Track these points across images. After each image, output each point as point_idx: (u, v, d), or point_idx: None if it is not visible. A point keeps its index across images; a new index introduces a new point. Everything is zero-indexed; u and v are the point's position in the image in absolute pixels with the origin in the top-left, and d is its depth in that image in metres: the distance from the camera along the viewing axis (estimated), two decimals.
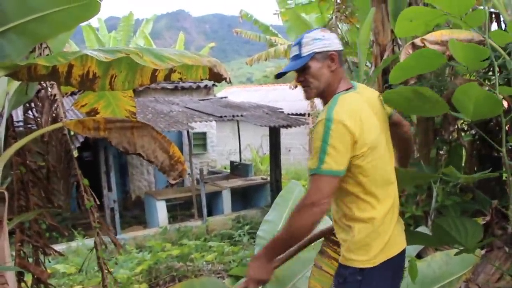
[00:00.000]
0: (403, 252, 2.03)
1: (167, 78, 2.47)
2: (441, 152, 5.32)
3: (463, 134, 5.23)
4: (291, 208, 4.79)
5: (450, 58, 2.84)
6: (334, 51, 1.94)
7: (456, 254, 2.55)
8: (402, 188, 2.44)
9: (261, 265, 1.99)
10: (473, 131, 5.22)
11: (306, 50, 1.94)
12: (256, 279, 2.00)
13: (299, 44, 1.98)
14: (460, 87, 2.02)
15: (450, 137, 5.01)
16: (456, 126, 5.00)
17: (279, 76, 2.15)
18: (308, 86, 2.00)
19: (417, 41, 3.37)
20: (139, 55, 2.01)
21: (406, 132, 2.29)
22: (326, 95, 1.98)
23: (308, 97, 2.06)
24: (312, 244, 3.57)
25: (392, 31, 5.35)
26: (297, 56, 1.98)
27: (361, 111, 1.87)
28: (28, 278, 3.15)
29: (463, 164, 5.16)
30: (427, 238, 2.83)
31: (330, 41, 1.95)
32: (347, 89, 1.97)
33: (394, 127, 2.16)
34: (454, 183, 4.70)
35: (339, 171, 1.79)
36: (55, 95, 2.92)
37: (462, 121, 5.27)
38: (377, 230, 1.89)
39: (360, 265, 1.89)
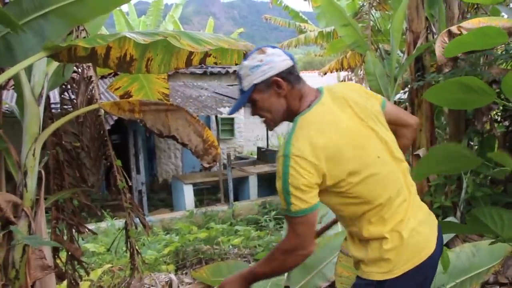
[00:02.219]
0: (434, 254, 1.75)
1: (202, 62, 2.48)
2: (472, 143, 5.24)
3: (496, 125, 5.13)
4: None
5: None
6: (276, 75, 1.68)
7: (492, 243, 2.53)
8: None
9: None
10: (506, 122, 5.11)
11: (246, 84, 1.72)
12: None
13: (238, 77, 1.76)
14: (510, 71, 1.98)
15: (483, 128, 4.92)
16: (489, 117, 4.90)
17: (231, 113, 1.92)
18: (264, 120, 1.80)
19: (454, 29, 3.31)
20: (177, 38, 2.04)
21: (407, 138, 2.04)
22: (289, 119, 1.76)
23: (269, 129, 1.86)
24: (340, 230, 3.59)
25: (427, 18, 5.26)
26: (241, 91, 1.76)
27: (324, 131, 1.62)
28: (62, 254, 3.25)
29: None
30: (461, 227, 2.81)
31: (270, 65, 1.69)
32: (310, 105, 1.71)
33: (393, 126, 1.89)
34: (485, 175, 4.63)
35: (308, 209, 1.59)
36: (91, 76, 2.97)
37: (495, 111, 5.17)
38: (393, 244, 1.67)
39: (379, 278, 1.69)
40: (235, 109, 1.81)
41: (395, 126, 1.92)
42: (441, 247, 1.83)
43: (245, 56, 1.79)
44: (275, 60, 1.70)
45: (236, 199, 10.15)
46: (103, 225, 7.47)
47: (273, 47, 1.77)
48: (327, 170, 1.58)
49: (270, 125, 1.81)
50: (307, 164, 1.56)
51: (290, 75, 1.71)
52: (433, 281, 1.89)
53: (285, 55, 1.74)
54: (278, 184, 1.60)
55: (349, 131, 1.66)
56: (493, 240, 2.50)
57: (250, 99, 1.73)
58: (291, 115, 1.74)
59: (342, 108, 1.72)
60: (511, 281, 3.47)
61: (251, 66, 1.70)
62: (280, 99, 1.72)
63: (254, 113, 1.81)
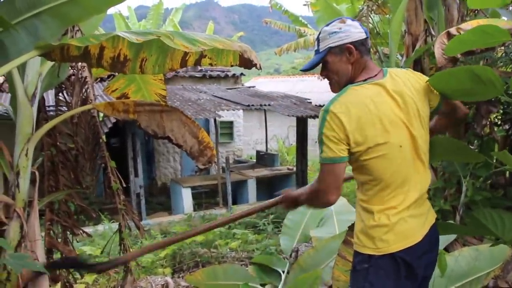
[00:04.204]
0: (420, 248, 1.91)
1: (197, 63, 2.46)
2: (472, 147, 5.21)
3: (495, 128, 5.10)
4: None
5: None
6: (351, 43, 1.91)
7: (492, 245, 2.50)
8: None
9: (291, 206, 2.28)
10: (506, 126, 5.08)
11: (322, 45, 1.96)
12: (283, 207, 2.34)
13: (317, 39, 2.00)
14: None
15: (483, 131, 4.88)
16: (489, 120, 4.87)
17: (304, 70, 2.15)
18: (330, 81, 2.03)
19: (453, 30, 3.28)
20: (170, 37, 2.01)
21: (462, 116, 2.23)
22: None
23: (333, 90, 2.05)
24: (337, 233, 3.56)
25: (426, 21, 5.24)
26: (316, 52, 2.00)
27: (364, 105, 1.82)
28: (56, 256, 3.22)
29: (494, 160, 5.04)
30: (461, 229, 2.78)
31: (347, 33, 1.92)
32: (366, 80, 1.91)
33: (446, 114, 2.15)
34: (485, 177, 4.60)
35: (336, 158, 1.81)
36: (85, 77, 2.95)
37: (495, 115, 5.14)
38: (377, 221, 1.88)
39: (367, 252, 1.90)
40: (309, 66, 2.05)
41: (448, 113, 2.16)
42: (431, 245, 2.01)
43: (326, 23, 2.00)
44: (352, 30, 1.92)
45: (235, 202, 10.11)
46: (100, 228, 7.44)
47: (352, 19, 1.99)
48: (352, 136, 1.79)
49: (335, 86, 2.02)
50: (339, 122, 1.78)
51: (361, 46, 1.94)
52: (432, 285, 1.97)
53: (361, 28, 1.96)
54: (318, 135, 1.87)
55: (384, 114, 1.83)
56: (493, 242, 2.47)
57: (323, 60, 1.97)
58: (351, 81, 1.95)
59: (392, 96, 1.88)
60: (511, 286, 3.44)
61: (330, 31, 1.94)
62: (348, 65, 1.94)
63: (324, 73, 2.03)
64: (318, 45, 1.98)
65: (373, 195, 1.90)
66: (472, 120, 4.91)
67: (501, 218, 2.32)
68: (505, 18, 4.39)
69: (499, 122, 5.23)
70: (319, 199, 1.93)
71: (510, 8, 5.38)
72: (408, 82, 1.96)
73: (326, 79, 2.06)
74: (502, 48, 4.42)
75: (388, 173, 1.85)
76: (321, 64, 2.02)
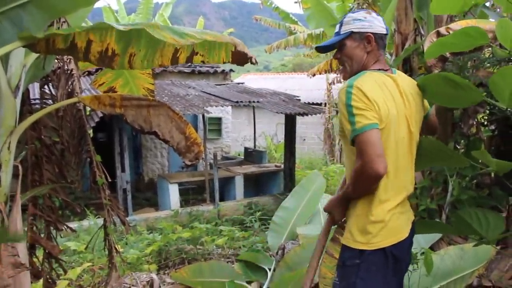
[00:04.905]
0: (406, 242, 1.99)
1: (189, 60, 2.41)
2: (458, 146, 5.24)
3: (482, 128, 5.13)
4: (310, 198, 4.79)
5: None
6: (372, 33, 1.99)
7: (475, 245, 2.51)
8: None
9: (342, 211, 2.11)
10: (492, 126, 5.12)
11: (344, 29, 2.03)
12: (339, 220, 2.17)
13: (340, 22, 2.06)
14: (499, 70, 1.98)
15: (469, 131, 4.91)
16: (475, 120, 4.90)
17: (319, 49, 2.22)
18: (343, 65, 2.10)
19: (442, 30, 3.28)
20: (158, 29, 1.98)
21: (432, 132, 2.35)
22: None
23: (344, 77, 2.12)
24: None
25: (415, 20, 5.25)
26: (336, 34, 2.06)
27: (381, 88, 1.89)
28: (40, 253, 3.17)
29: (480, 160, 5.07)
30: (445, 228, 2.80)
31: (370, 23, 2.00)
32: (379, 70, 2.00)
33: (427, 129, 2.24)
34: (471, 177, 4.64)
35: (372, 124, 1.80)
36: (71, 70, 2.90)
37: (481, 115, 5.18)
38: (376, 217, 1.91)
39: (359, 247, 1.91)
40: (327, 44, 2.14)
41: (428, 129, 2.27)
42: (412, 239, 2.08)
43: (352, 11, 2.11)
44: (375, 23, 2.01)
45: (222, 199, 10.08)
46: (85, 223, 7.36)
47: (378, 14, 2.07)
48: (377, 106, 1.83)
49: (346, 72, 2.09)
50: (363, 94, 1.83)
51: (380, 40, 2.03)
52: (417, 283, 2.01)
53: (384, 24, 2.05)
54: (343, 111, 1.87)
55: (394, 103, 1.91)
56: (473, 244, 2.48)
57: (341, 42, 2.04)
58: (363, 70, 2.00)
59: (399, 92, 1.96)
60: (494, 284, 3.46)
61: (356, 17, 2.02)
62: (364, 53, 2.01)
63: (337, 56, 2.10)
64: (340, 28, 2.05)
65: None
66: (459, 120, 4.94)
67: (486, 218, 2.34)
68: (493, 19, 4.42)
69: (485, 123, 5.26)
70: (367, 174, 1.80)
71: (498, 10, 5.42)
72: (411, 84, 2.07)
73: (339, 63, 2.13)
74: (490, 49, 4.44)
75: (390, 160, 1.88)
76: (335, 47, 2.10)
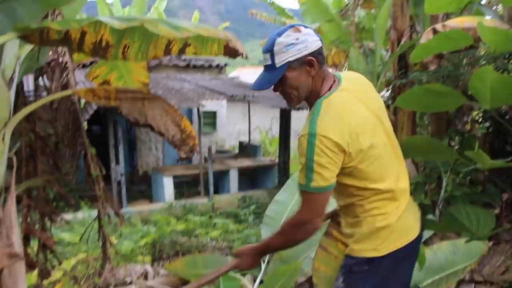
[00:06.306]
0: (417, 239, 1.92)
1: (182, 52, 2.41)
2: (452, 143, 5.27)
3: (477, 125, 5.16)
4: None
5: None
6: (310, 54, 1.74)
7: (466, 241, 2.53)
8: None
9: (252, 261, 2.03)
10: (487, 124, 5.15)
11: (279, 60, 1.74)
12: (245, 268, 2.08)
13: (270, 52, 1.76)
14: (475, 72, 1.98)
15: (464, 128, 4.94)
16: (470, 117, 4.93)
17: (262, 89, 1.85)
18: (287, 96, 1.85)
19: (438, 27, 3.29)
20: (153, 24, 1.97)
21: None
22: (309, 99, 1.84)
23: (291, 106, 1.91)
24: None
25: (411, 17, 5.26)
26: (271, 67, 1.77)
27: (347, 113, 1.72)
28: (35, 244, 3.17)
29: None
30: (436, 225, 2.82)
31: (305, 44, 1.73)
32: (331, 88, 1.80)
33: None
34: (465, 173, 4.67)
35: (327, 187, 1.71)
36: (66, 62, 2.89)
37: (476, 112, 5.20)
38: (384, 222, 1.81)
39: (367, 255, 1.83)
40: (266, 85, 1.81)
41: None
42: (422, 234, 1.97)
43: (278, 33, 1.78)
44: (309, 40, 1.74)
45: (217, 192, 10.11)
46: (80, 215, 7.37)
47: (305, 26, 1.80)
48: (348, 149, 1.68)
49: (294, 102, 1.86)
50: (332, 144, 1.65)
51: (319, 56, 1.77)
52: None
53: (316, 35, 1.78)
54: (302, 161, 1.70)
55: (365, 118, 1.76)
56: (466, 240, 2.50)
57: (282, 76, 1.77)
58: (312, 95, 1.81)
59: (358, 97, 1.80)
60: (486, 279, 3.49)
61: (287, 43, 1.73)
62: (308, 78, 1.78)
63: (279, 89, 1.84)
64: (273, 60, 1.75)
65: (376, 200, 1.81)
66: (454, 117, 4.97)
67: (476, 215, 2.36)
68: (489, 16, 4.43)
69: (480, 120, 5.30)
70: (307, 229, 1.77)
71: (495, 7, 5.44)
72: (357, 81, 1.92)
73: (281, 95, 1.87)
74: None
75: (384, 173, 1.80)
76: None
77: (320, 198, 1.73)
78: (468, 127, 5.13)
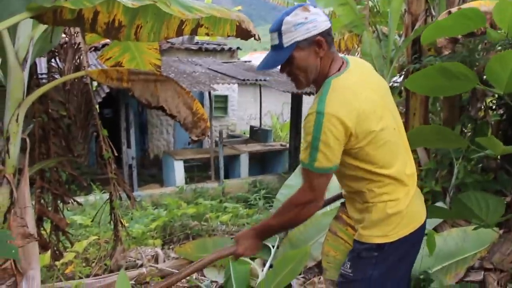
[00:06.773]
0: (423, 225, 1.92)
1: (194, 32, 2.40)
2: (465, 130, 5.21)
3: (490, 112, 5.09)
4: None
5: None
6: (319, 34, 1.68)
7: (475, 228, 2.52)
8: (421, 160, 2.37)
9: (251, 244, 1.97)
10: (501, 111, 5.08)
11: (287, 40, 1.69)
12: (243, 254, 1.99)
13: (278, 32, 1.71)
14: (495, 55, 1.93)
15: (477, 114, 4.87)
16: (484, 104, 4.86)
17: (268, 68, 1.83)
18: (295, 78, 1.81)
19: (454, 10, 3.24)
20: (167, 3, 1.96)
21: None
22: (318, 81, 1.79)
23: (299, 88, 1.89)
24: (328, 209, 3.57)
25: (426, 1, 5.17)
26: (278, 47, 1.72)
27: (356, 95, 1.68)
28: (47, 226, 3.21)
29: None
30: (446, 212, 2.80)
31: (314, 23, 1.67)
32: (340, 69, 1.76)
33: None
34: (477, 160, 4.62)
35: (331, 168, 1.69)
36: (79, 43, 2.89)
37: (490, 99, 5.13)
38: (395, 208, 1.79)
39: (377, 241, 1.81)
40: (273, 65, 1.77)
41: None
42: (425, 226, 1.96)
43: (286, 12, 1.73)
44: (318, 20, 1.69)
45: (227, 177, 10.13)
46: (91, 198, 7.42)
47: (314, 6, 1.76)
48: (355, 131, 1.65)
49: (302, 84, 1.82)
50: (340, 124, 1.61)
51: (328, 36, 1.73)
52: (419, 263, 1.97)
53: (325, 15, 1.74)
54: (308, 139, 1.66)
55: (374, 101, 1.72)
56: (477, 225, 2.48)
57: (289, 57, 1.72)
58: (320, 77, 1.77)
59: (367, 81, 1.79)
60: (496, 267, 3.48)
61: (296, 23, 1.67)
62: (317, 59, 1.73)
63: (287, 70, 1.80)
64: (280, 39, 1.70)
65: (386, 184, 1.79)
66: (467, 103, 4.90)
67: (486, 202, 2.34)
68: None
69: (493, 107, 5.22)
70: (310, 208, 1.77)
71: None
72: (362, 64, 1.90)
73: (288, 76, 1.84)
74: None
75: (393, 158, 1.78)
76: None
77: (323, 178, 1.72)
78: (481, 114, 5.06)
